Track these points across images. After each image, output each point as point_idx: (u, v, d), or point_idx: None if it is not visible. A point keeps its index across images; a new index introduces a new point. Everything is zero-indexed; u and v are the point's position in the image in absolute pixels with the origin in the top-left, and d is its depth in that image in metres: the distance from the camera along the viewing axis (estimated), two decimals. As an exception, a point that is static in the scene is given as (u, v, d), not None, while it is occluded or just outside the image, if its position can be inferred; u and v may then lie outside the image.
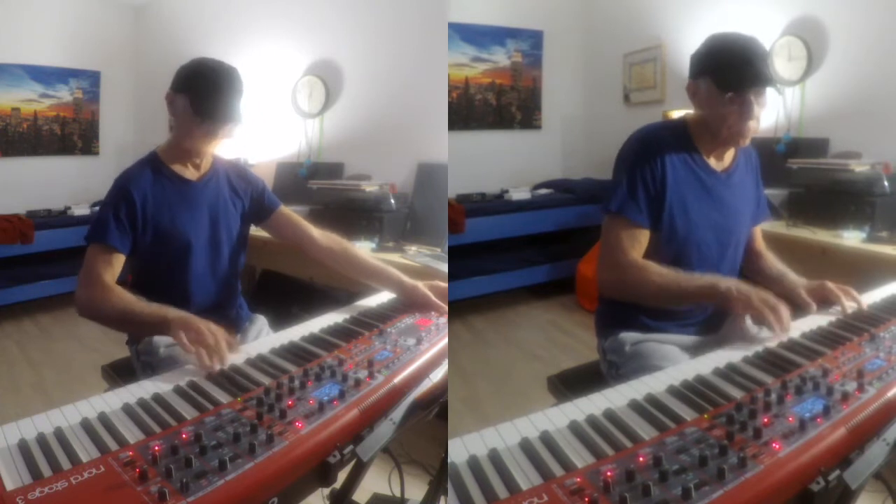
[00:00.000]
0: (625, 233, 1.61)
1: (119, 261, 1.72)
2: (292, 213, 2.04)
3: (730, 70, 1.54)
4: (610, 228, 1.63)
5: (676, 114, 4.17)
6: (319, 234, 1.99)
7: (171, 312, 1.55)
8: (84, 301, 1.67)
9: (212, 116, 1.70)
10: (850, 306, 1.60)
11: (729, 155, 1.72)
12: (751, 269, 1.83)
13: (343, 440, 1.13)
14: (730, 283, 1.51)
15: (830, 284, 1.64)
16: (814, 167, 3.23)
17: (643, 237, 1.62)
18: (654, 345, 1.65)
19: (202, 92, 1.69)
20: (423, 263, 3.07)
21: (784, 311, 1.45)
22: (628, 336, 1.68)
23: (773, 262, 1.83)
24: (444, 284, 1.82)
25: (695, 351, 1.64)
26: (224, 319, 1.65)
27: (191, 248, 1.81)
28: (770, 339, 1.42)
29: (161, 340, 1.71)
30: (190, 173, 1.84)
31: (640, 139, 1.68)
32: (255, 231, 2.01)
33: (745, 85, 1.54)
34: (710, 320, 1.72)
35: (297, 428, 1.10)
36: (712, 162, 1.69)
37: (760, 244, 1.88)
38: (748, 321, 1.52)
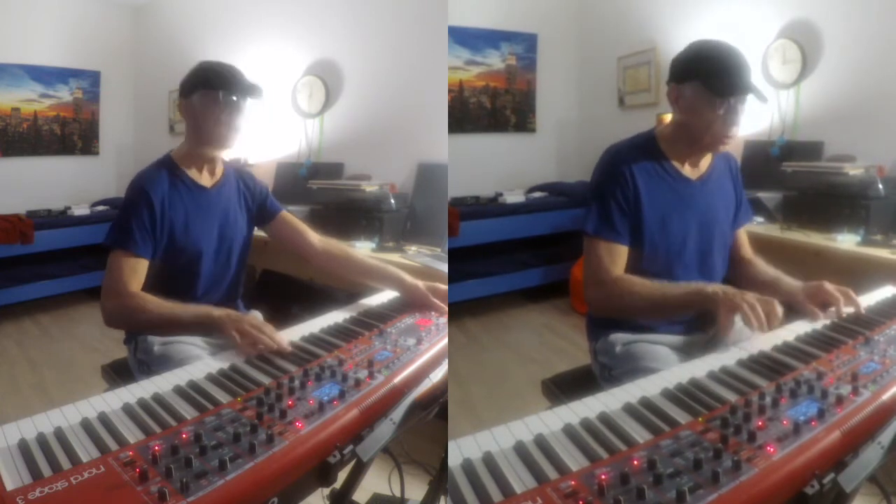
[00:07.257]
0: (604, 251, 1.63)
1: (143, 267, 1.71)
2: (293, 218, 2.05)
3: (721, 75, 1.56)
4: (590, 249, 1.66)
5: (671, 117, 4.19)
6: (318, 240, 2.01)
7: (215, 311, 1.60)
8: (112, 312, 1.68)
9: (230, 90, 1.73)
10: (846, 311, 1.58)
11: (705, 162, 1.73)
12: (743, 278, 1.80)
13: (343, 440, 1.13)
14: (716, 287, 1.52)
15: (828, 286, 1.62)
16: (808, 170, 3.24)
17: (623, 253, 1.64)
18: (645, 345, 1.66)
19: (214, 78, 1.74)
20: (423, 263, 3.07)
21: (760, 308, 1.43)
22: (619, 337, 1.69)
23: (765, 267, 1.82)
24: (444, 287, 1.83)
25: (685, 350, 1.65)
26: None
27: (201, 257, 1.82)
28: (757, 338, 1.43)
29: (156, 338, 1.73)
30: (205, 180, 1.85)
31: (607, 160, 1.69)
32: (256, 231, 2.02)
33: (736, 91, 1.55)
34: (699, 319, 1.71)
35: (297, 428, 1.11)
36: (686, 170, 1.70)
37: (748, 251, 1.87)
38: (738, 323, 1.52)
